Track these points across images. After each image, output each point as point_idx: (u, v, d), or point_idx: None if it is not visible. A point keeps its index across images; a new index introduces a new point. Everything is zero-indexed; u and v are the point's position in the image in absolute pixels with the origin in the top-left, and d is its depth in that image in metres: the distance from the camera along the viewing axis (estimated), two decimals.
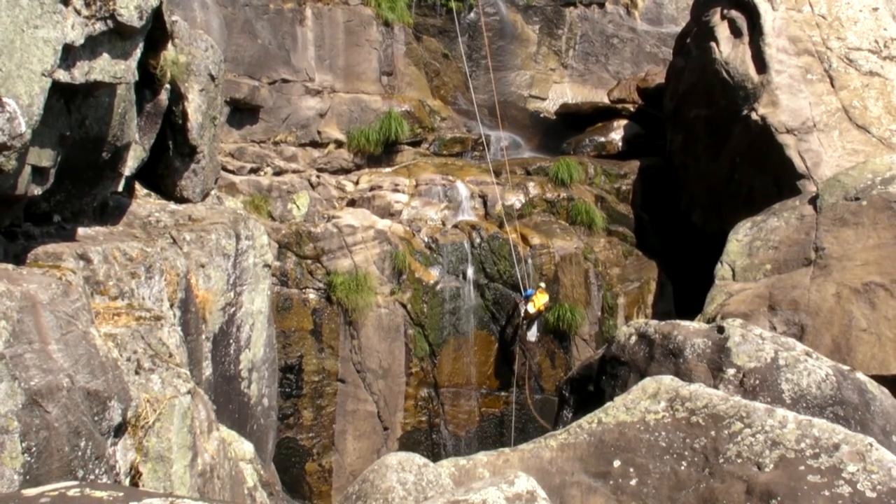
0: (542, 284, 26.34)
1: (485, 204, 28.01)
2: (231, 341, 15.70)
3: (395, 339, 25.73)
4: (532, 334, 26.40)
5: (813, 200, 21.49)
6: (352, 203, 27.26)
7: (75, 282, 9.82)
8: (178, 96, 15.70)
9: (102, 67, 11.53)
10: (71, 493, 5.03)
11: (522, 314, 26.22)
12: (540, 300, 25.95)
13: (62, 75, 10.80)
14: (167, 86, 15.19)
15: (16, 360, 8.63)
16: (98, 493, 5.02)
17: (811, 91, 25.97)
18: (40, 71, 10.36)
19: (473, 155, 29.64)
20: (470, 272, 26.79)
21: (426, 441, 25.97)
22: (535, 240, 27.49)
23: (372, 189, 27.60)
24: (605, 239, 28.77)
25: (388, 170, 28.77)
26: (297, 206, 26.15)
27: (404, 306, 25.85)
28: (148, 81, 14.56)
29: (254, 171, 26.36)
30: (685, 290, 27.42)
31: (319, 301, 24.92)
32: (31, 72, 10.26)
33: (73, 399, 8.95)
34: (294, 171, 27.03)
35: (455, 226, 27.35)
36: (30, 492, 5.23)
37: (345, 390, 25.15)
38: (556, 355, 27.40)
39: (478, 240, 26.91)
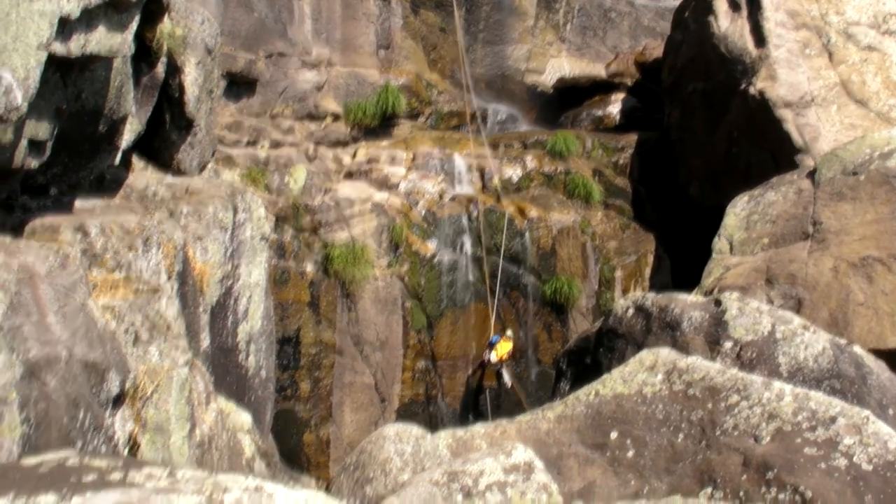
0: (509, 332, 26.28)
1: (482, 177, 27.97)
2: (229, 313, 15.72)
3: (393, 312, 25.76)
4: (507, 380, 26.32)
5: (811, 175, 21.48)
6: (349, 176, 27.22)
7: (73, 254, 9.84)
8: (174, 69, 15.68)
9: (98, 40, 11.51)
10: (70, 462, 5.05)
11: (485, 363, 26.23)
12: (503, 349, 25.92)
13: (58, 48, 10.80)
14: (163, 59, 15.18)
15: (14, 331, 8.65)
16: (97, 463, 5.04)
17: (809, 65, 25.91)
18: (36, 44, 10.34)
19: (471, 128, 29.56)
20: (467, 245, 26.79)
21: (423, 413, 26.01)
22: (533, 213, 27.49)
23: (369, 162, 27.56)
24: (602, 212, 28.73)
25: (385, 143, 28.71)
26: (294, 179, 26.10)
27: (401, 279, 25.87)
28: (144, 54, 14.54)
29: (250, 144, 26.27)
30: (682, 264, 27.43)
31: (317, 273, 24.93)
32: (28, 45, 10.24)
33: (71, 370, 8.98)
34: (291, 145, 26.95)
35: (452, 199, 27.33)
36: (29, 461, 5.24)
37: (342, 362, 25.19)
38: (553, 328, 27.43)
39: (475, 213, 26.92)
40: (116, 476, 4.87)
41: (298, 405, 24.67)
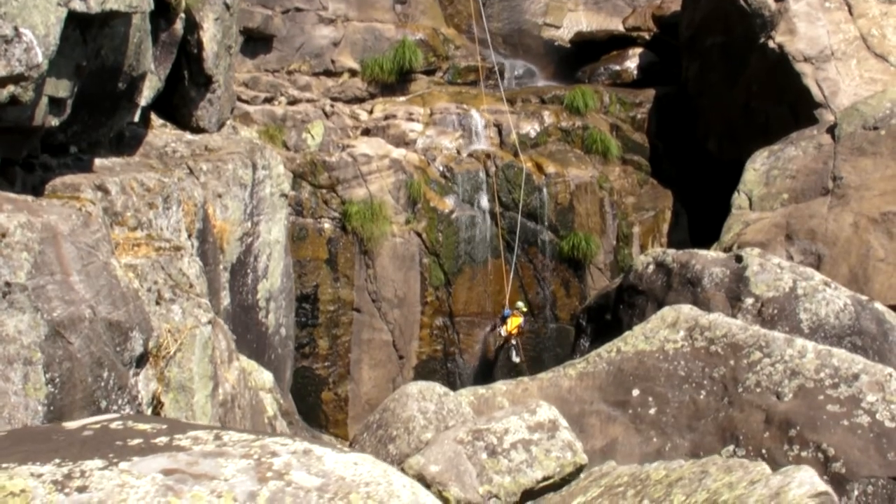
0: (520, 304, 26.25)
1: (499, 133, 27.87)
2: (249, 271, 15.73)
3: (411, 269, 25.77)
4: (515, 356, 26.27)
5: (831, 129, 21.36)
6: (366, 132, 27.15)
7: (95, 213, 9.81)
8: (193, 25, 15.59)
9: None
10: (113, 425, 5.01)
11: (498, 335, 26.26)
12: (513, 323, 25.90)
13: (78, 5, 10.73)
14: (182, 15, 15.09)
15: (38, 291, 8.64)
16: (141, 426, 5.01)
17: (829, 19, 25.71)
18: (56, 1, 10.28)
19: (488, 83, 29.43)
20: (485, 201, 26.75)
21: (441, 370, 26.06)
22: (550, 168, 27.41)
23: (386, 118, 27.47)
24: (620, 168, 28.64)
25: (402, 99, 28.60)
26: (312, 136, 26.05)
27: (419, 235, 25.86)
28: (163, 10, 14.45)
29: (268, 100, 26.23)
30: (700, 219, 27.35)
31: (335, 230, 24.95)
32: (48, 1, 10.20)
33: (95, 330, 8.97)
34: (308, 101, 26.88)
35: (470, 154, 27.26)
36: (71, 425, 5.21)
37: (360, 319, 25.24)
38: (571, 284, 27.40)
39: (493, 168, 26.85)
40: (162, 440, 4.84)
41: (317, 363, 24.74)
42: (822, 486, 7.01)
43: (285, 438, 4.99)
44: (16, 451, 4.67)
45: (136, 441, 4.75)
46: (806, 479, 6.96)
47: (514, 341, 26.14)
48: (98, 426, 4.96)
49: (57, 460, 4.64)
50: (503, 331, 25.93)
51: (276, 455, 4.79)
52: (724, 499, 6.87)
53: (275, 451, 4.81)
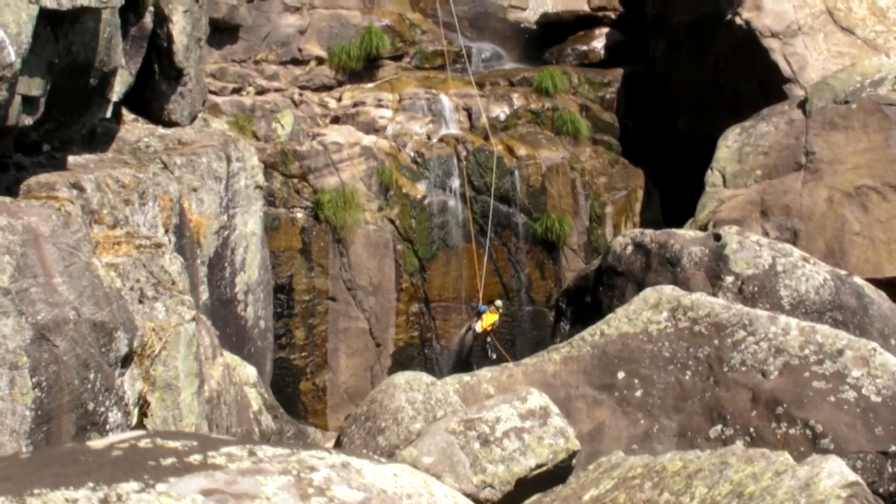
0: (498, 303, 26.14)
1: (469, 116, 27.81)
2: (226, 265, 15.62)
3: (385, 256, 25.70)
4: (491, 353, 26.13)
5: (802, 104, 21.41)
6: (336, 120, 27.05)
7: (75, 212, 9.70)
8: (162, 19, 15.44)
9: None
10: (142, 444, 4.83)
11: (472, 331, 26.16)
12: (488, 320, 25.80)
13: (49, 2, 10.63)
14: (151, 8, 14.95)
15: (21, 294, 8.52)
16: (171, 443, 4.83)
17: None
18: None
19: (455, 68, 29.34)
20: (457, 185, 26.69)
21: (419, 356, 26.02)
22: (521, 151, 27.37)
23: (355, 105, 27.37)
24: (590, 148, 28.62)
25: (370, 85, 28.51)
26: (282, 125, 25.92)
27: (392, 222, 25.79)
28: (132, 5, 14.32)
29: (236, 91, 26.09)
30: (672, 198, 27.40)
31: (307, 220, 24.84)
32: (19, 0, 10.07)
33: (80, 331, 8.87)
34: (276, 90, 26.76)
35: (441, 139, 27.18)
36: (96, 444, 5.01)
37: (336, 308, 25.15)
38: (546, 266, 27.39)
39: (464, 153, 26.79)
40: (196, 458, 4.68)
41: (294, 353, 24.65)
42: (853, 476, 6.98)
43: (321, 451, 4.87)
44: (45, 476, 4.45)
45: (169, 460, 4.59)
46: (835, 470, 6.91)
47: (489, 339, 26.05)
48: (126, 445, 4.80)
49: (90, 484, 4.47)
50: (478, 326, 25.85)
51: (314, 470, 4.65)
52: (751, 490, 6.84)
53: (313, 465, 4.68)
